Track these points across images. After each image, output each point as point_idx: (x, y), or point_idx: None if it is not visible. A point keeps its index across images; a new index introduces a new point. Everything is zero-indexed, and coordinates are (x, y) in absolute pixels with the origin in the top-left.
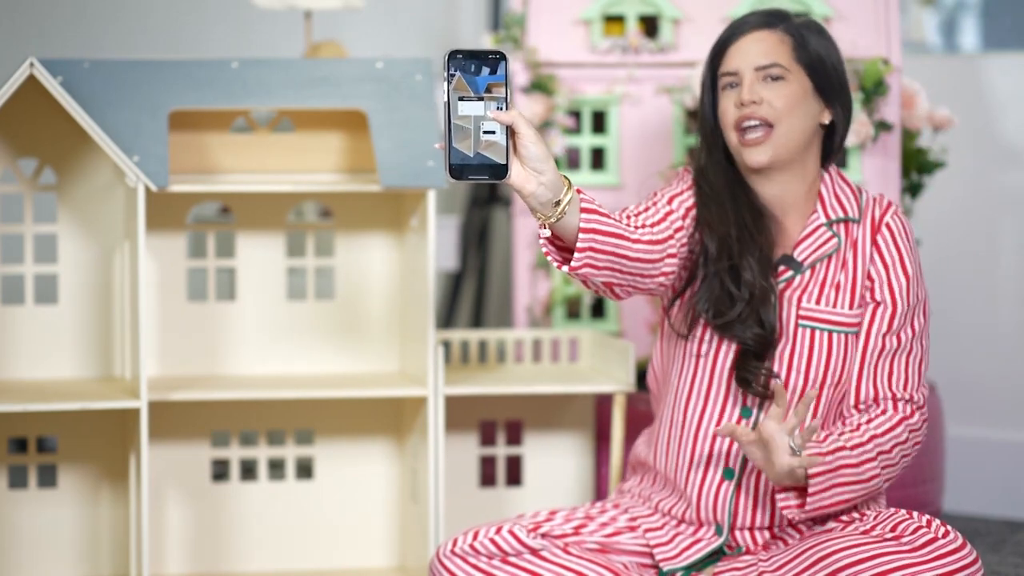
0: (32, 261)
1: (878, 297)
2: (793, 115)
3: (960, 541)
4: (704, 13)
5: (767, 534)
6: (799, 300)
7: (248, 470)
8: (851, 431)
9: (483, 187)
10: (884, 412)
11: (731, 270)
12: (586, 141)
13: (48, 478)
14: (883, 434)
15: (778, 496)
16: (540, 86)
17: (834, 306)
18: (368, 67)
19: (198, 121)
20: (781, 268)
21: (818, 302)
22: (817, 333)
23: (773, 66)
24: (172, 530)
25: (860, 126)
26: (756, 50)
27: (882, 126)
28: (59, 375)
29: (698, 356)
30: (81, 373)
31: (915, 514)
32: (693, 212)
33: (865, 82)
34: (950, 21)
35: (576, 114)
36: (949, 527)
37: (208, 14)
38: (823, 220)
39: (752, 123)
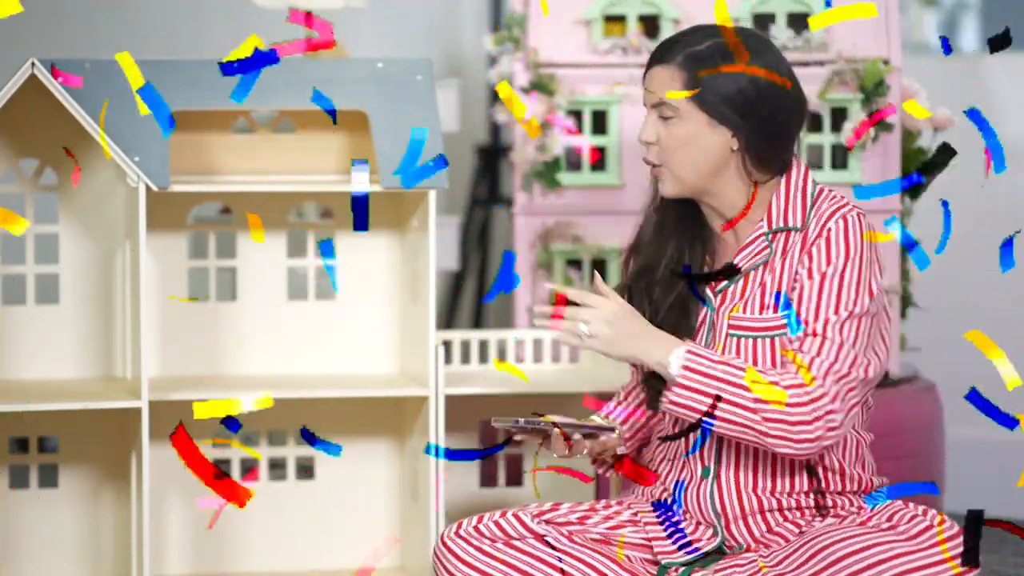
0: (33, 261)
1: (796, 295)
2: (685, 153)
3: (956, 529)
4: (704, 13)
5: (761, 522)
6: (729, 311)
7: (249, 470)
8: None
9: (483, 186)
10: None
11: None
12: (587, 141)
13: (49, 478)
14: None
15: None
16: (540, 86)
17: (760, 312)
18: (369, 67)
19: (199, 121)
20: (720, 277)
21: (744, 310)
22: (743, 341)
23: (662, 105)
24: (173, 530)
25: (860, 126)
26: (652, 87)
27: (882, 126)
28: (60, 375)
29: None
30: (82, 373)
31: (911, 504)
32: None
33: (865, 82)
34: (950, 21)
35: (577, 114)
36: (946, 516)
37: (208, 14)
38: (765, 230)
39: (647, 163)
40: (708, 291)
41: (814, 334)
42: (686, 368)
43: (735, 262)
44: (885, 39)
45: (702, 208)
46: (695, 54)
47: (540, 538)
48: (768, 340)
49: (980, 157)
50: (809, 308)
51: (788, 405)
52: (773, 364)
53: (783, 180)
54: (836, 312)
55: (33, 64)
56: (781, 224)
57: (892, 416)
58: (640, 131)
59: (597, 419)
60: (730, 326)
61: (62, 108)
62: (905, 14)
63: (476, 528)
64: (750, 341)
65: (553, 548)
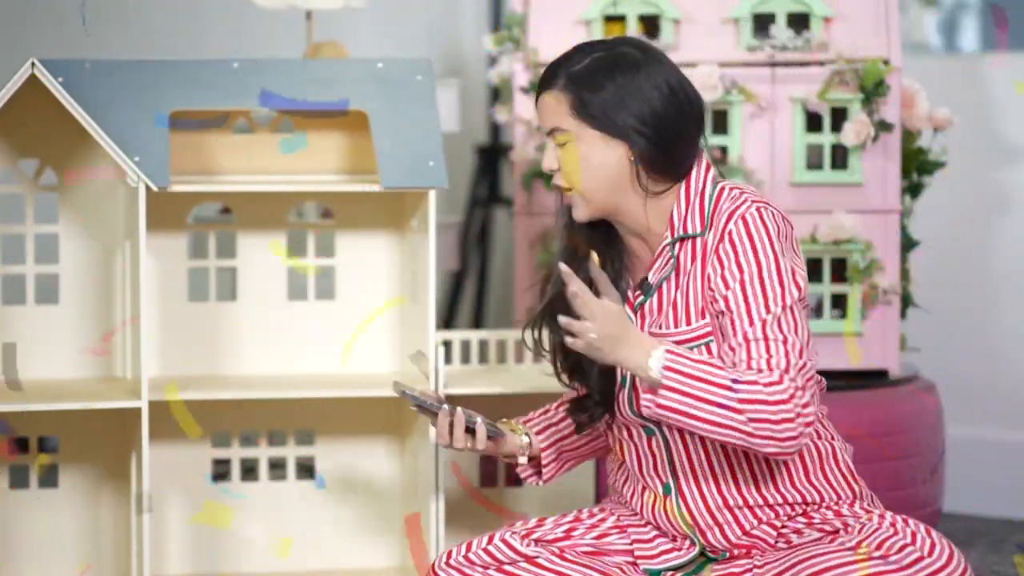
0: (33, 261)
1: (717, 307)
2: (588, 175)
3: (946, 557)
4: (705, 13)
5: (735, 525)
6: (651, 327)
7: (249, 470)
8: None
9: (483, 187)
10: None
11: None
12: None
13: (49, 478)
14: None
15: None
16: None
17: (675, 325)
18: (369, 67)
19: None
20: (637, 293)
21: (663, 325)
22: None
23: (555, 131)
24: (173, 531)
25: (860, 126)
26: (542, 115)
27: (882, 126)
28: (60, 375)
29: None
30: (82, 373)
31: (899, 528)
32: None
33: (865, 82)
34: (950, 21)
35: None
36: (935, 538)
37: (208, 14)
38: (669, 240)
39: (558, 189)
40: (628, 310)
41: (756, 339)
42: (668, 369)
43: (649, 277)
44: (885, 39)
45: (617, 226)
46: (576, 74)
47: (531, 560)
48: (698, 349)
49: (979, 156)
50: (742, 319)
51: (770, 403)
52: None
53: (683, 186)
54: (768, 311)
55: (33, 64)
56: (682, 232)
57: (892, 416)
58: (543, 160)
59: (509, 426)
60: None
61: (62, 108)
62: (905, 14)
63: (467, 557)
64: None
65: (545, 570)
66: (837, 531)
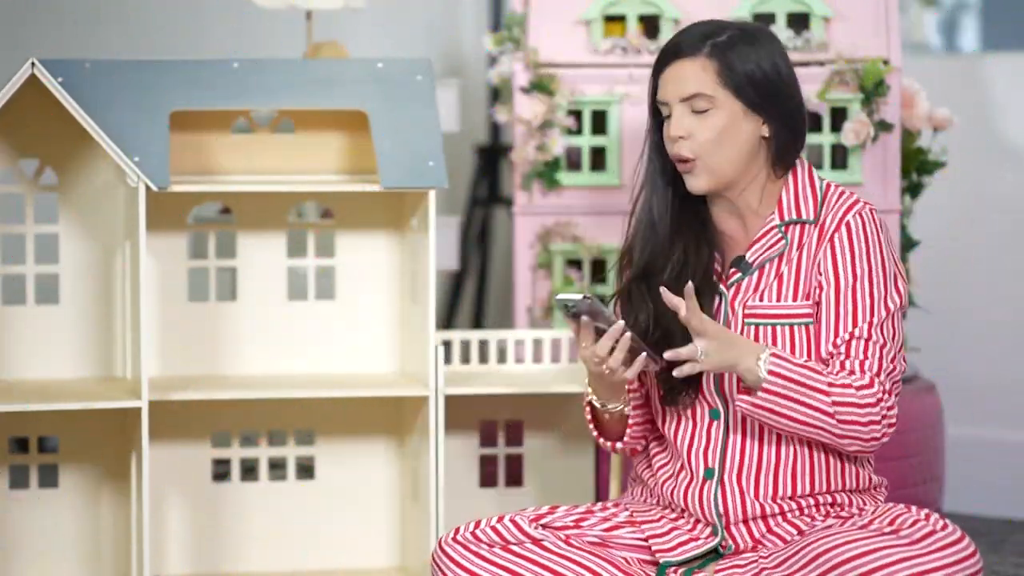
0: (33, 261)
1: (826, 295)
2: (722, 145)
3: (959, 534)
4: (704, 13)
5: (762, 525)
6: (745, 301)
7: (249, 470)
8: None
9: (483, 187)
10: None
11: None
12: (586, 141)
13: (49, 478)
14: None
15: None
16: (541, 86)
17: (777, 300)
18: (369, 67)
19: (199, 121)
20: (732, 270)
21: (761, 299)
22: (761, 328)
23: (696, 97)
24: (173, 530)
25: (860, 126)
26: (680, 81)
27: (882, 126)
28: (60, 375)
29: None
30: (82, 373)
31: (913, 508)
32: None
33: (865, 82)
34: (950, 21)
35: (577, 114)
36: (948, 521)
37: (208, 14)
38: (777, 222)
39: (682, 158)
40: (721, 285)
41: (859, 338)
42: (772, 373)
43: (748, 256)
44: (885, 39)
45: (715, 205)
46: (721, 44)
47: (537, 542)
48: (788, 328)
49: (979, 156)
50: (847, 315)
51: (860, 407)
52: (793, 351)
53: (790, 176)
54: (875, 313)
55: (33, 64)
56: (794, 216)
57: None
58: (668, 127)
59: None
60: (747, 315)
61: (62, 108)
62: (905, 14)
63: (474, 533)
64: (769, 328)
65: (551, 553)
66: (852, 516)
